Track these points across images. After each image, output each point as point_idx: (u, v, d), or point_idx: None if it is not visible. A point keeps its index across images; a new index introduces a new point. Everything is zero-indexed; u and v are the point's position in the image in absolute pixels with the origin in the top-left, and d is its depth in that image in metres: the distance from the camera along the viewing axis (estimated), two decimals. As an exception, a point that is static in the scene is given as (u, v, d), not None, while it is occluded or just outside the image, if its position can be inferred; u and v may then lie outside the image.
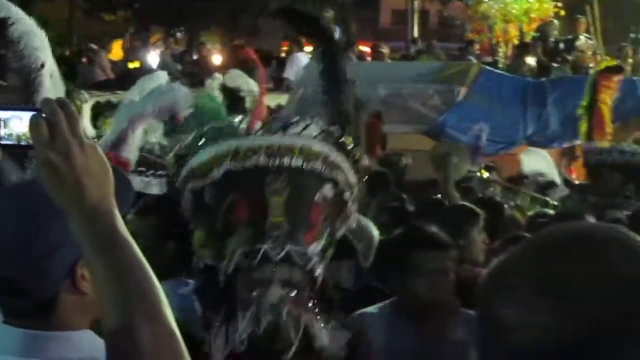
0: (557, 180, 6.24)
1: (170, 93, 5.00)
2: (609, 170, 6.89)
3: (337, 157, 2.53)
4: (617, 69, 8.24)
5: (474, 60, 15.13)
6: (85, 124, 6.88)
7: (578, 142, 10.82)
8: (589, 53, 15.57)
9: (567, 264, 1.12)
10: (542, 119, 13.58)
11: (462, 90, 13.75)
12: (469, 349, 3.03)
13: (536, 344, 1.09)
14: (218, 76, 7.12)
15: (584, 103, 7.84)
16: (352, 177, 2.56)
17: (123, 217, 1.57)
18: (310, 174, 2.46)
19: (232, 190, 2.41)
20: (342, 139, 2.53)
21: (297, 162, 2.42)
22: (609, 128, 7.96)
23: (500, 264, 1.20)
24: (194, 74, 13.88)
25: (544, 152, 6.44)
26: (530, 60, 15.58)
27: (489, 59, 16.11)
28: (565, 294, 1.10)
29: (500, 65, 15.40)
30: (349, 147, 2.55)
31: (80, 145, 1.49)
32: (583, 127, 7.74)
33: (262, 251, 2.39)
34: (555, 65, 15.51)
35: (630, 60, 15.06)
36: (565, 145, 12.74)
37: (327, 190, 2.51)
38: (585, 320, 1.09)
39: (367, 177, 2.80)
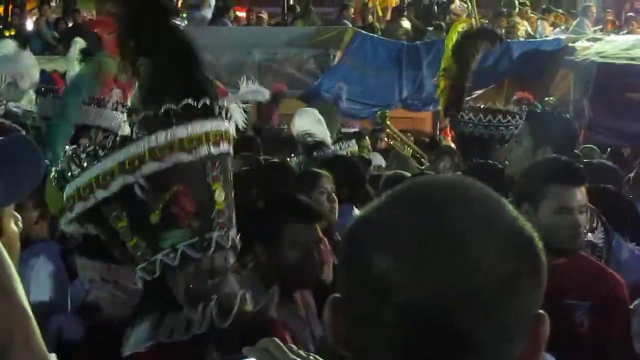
0: (328, 140, 6.20)
1: (15, 60, 5.03)
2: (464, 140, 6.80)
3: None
4: (491, 37, 7.25)
5: (349, 25, 15.34)
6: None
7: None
8: (464, 16, 15.04)
9: (450, 217, 1.10)
10: (417, 82, 13.95)
11: (337, 54, 13.99)
12: None
13: (424, 300, 1.07)
14: (79, 40, 6.98)
15: (444, 66, 7.07)
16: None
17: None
18: (228, 156, 2.47)
19: (176, 182, 2.34)
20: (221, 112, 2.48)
21: (225, 146, 2.42)
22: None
23: (373, 216, 1.16)
24: (69, 41, 13.57)
25: (315, 112, 6.40)
26: (406, 24, 15.92)
27: (365, 22, 16.44)
28: (454, 248, 1.08)
29: (376, 29, 15.70)
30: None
31: None
32: (444, 94, 7.08)
33: (214, 240, 2.37)
34: (430, 29, 15.86)
35: (505, 24, 15.36)
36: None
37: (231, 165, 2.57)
38: (473, 276, 1.07)
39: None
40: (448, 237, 1.09)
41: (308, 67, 13.81)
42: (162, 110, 2.30)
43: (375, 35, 14.92)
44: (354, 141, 7.18)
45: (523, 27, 15.75)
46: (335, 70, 13.75)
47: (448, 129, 12.49)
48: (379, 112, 11.33)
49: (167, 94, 2.32)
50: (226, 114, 2.45)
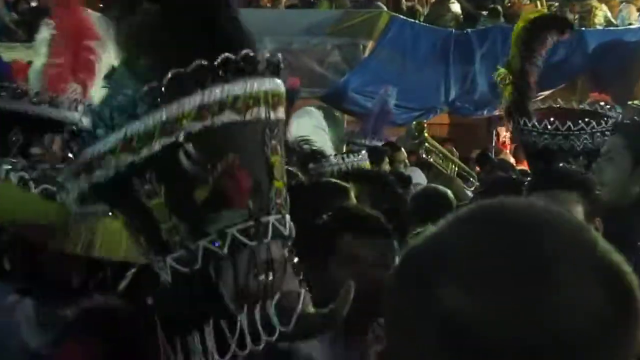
0: (329, 151, 6.25)
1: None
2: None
3: None
4: (560, 24, 7.50)
5: (384, 8, 14.88)
6: None
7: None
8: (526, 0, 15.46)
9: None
10: (468, 80, 13.84)
11: (369, 45, 13.71)
12: None
13: (508, 347, 1.13)
14: (50, 22, 6.75)
15: (508, 60, 6.97)
16: None
17: None
18: (283, 124, 2.47)
19: (231, 149, 2.33)
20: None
21: (281, 112, 2.40)
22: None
23: (438, 245, 1.21)
24: (30, 24, 12.97)
25: (318, 114, 6.54)
26: (455, 8, 15.53)
27: (402, 6, 15.88)
28: (548, 285, 1.14)
29: (417, 14, 15.39)
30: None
31: None
32: (507, 91, 7.18)
33: (271, 224, 2.36)
34: (484, 13, 15.54)
35: (579, 9, 15.09)
36: (497, 112, 12.46)
37: None
38: (572, 320, 1.13)
39: None
40: (538, 271, 1.14)
41: (332, 61, 13.50)
42: (218, 61, 2.24)
43: (417, 21, 14.61)
44: (364, 153, 6.97)
45: (601, 13, 15.43)
46: (365, 65, 13.47)
47: (507, 140, 12.31)
48: (413, 124, 11.45)
49: (193, 50, 2.27)
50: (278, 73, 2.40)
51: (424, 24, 14.76)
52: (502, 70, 6.91)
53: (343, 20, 14.08)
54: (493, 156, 12.61)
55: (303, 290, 2.40)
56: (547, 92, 11.46)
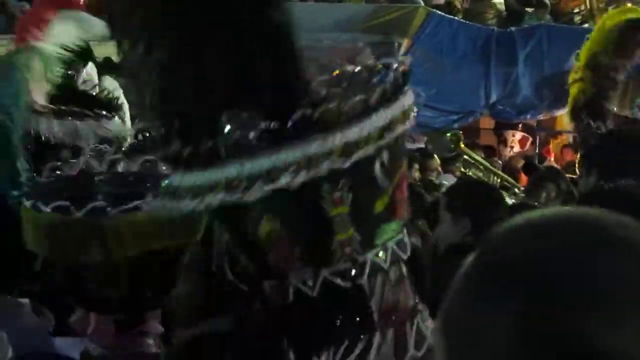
0: None
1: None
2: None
3: None
4: None
5: (420, 3, 14.85)
6: None
7: (558, 113, 11.77)
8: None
9: None
10: (511, 82, 13.72)
11: (404, 43, 13.58)
12: None
13: None
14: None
15: (580, 64, 6.82)
16: None
17: None
18: None
19: (403, 160, 2.49)
20: None
21: None
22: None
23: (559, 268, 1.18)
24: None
25: None
26: (497, 3, 15.73)
27: (441, 0, 15.92)
28: None
29: (456, 10, 15.50)
30: None
31: None
32: (574, 89, 6.91)
33: (407, 238, 2.49)
34: (529, 10, 15.54)
35: None
36: (542, 117, 13.45)
37: None
38: None
39: None
40: None
41: (364, 59, 13.13)
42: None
43: (456, 18, 14.54)
44: None
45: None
46: None
47: (550, 146, 13.96)
48: (449, 135, 11.42)
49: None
50: None
51: (464, 20, 14.62)
52: (577, 66, 6.89)
53: (376, 16, 14.00)
54: (497, 158, 12.95)
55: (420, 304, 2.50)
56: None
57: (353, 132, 2.32)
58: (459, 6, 15.58)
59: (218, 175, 2.35)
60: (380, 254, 2.42)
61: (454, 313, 1.24)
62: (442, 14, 14.39)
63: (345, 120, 2.29)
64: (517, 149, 13.26)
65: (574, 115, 6.73)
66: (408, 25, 13.78)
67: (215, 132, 2.36)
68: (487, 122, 14.41)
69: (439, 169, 10.47)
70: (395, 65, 2.49)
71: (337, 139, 2.30)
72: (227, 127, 2.37)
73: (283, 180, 2.31)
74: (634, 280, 1.13)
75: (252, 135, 2.32)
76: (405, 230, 2.47)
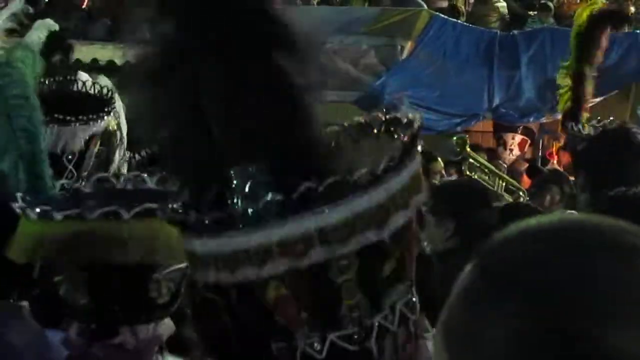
0: None
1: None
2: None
3: None
4: (615, 18, 7.22)
5: (424, 5, 14.86)
6: None
7: (559, 116, 11.03)
8: (579, -3, 15.34)
9: None
10: (514, 85, 13.82)
11: (407, 46, 13.81)
12: None
13: None
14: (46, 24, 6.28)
15: (567, 64, 7.01)
16: None
17: None
18: None
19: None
20: None
21: None
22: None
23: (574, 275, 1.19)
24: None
25: None
26: (501, 6, 15.64)
27: (444, 3, 15.94)
28: None
29: (460, 12, 15.39)
30: None
31: None
32: (564, 97, 7.00)
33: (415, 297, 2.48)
34: (532, 13, 15.62)
35: (632, 9, 14.75)
36: (545, 119, 13.24)
37: None
38: None
39: None
40: None
41: (367, 62, 13.55)
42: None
43: (459, 21, 14.56)
44: None
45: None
46: (403, 67, 13.60)
47: (554, 150, 13.32)
48: (455, 138, 11.28)
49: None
50: None
51: (467, 24, 14.70)
52: (562, 71, 7.03)
53: (380, 19, 14.10)
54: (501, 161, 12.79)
55: None
56: (597, 100, 11.26)
57: (360, 204, 2.26)
58: (462, 9, 15.61)
59: (240, 245, 2.26)
60: (388, 316, 2.36)
61: (453, 316, 1.25)
62: (445, 17, 14.43)
63: (351, 191, 2.22)
64: (516, 152, 13.26)
65: (563, 124, 6.80)
66: (411, 28, 13.83)
67: (223, 185, 2.24)
68: (484, 125, 14.53)
69: (443, 172, 10.49)
70: (405, 121, 2.38)
71: (344, 211, 2.24)
72: (235, 182, 2.26)
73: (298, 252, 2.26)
74: (633, 282, 1.14)
75: (260, 204, 2.26)
76: (413, 290, 2.41)
